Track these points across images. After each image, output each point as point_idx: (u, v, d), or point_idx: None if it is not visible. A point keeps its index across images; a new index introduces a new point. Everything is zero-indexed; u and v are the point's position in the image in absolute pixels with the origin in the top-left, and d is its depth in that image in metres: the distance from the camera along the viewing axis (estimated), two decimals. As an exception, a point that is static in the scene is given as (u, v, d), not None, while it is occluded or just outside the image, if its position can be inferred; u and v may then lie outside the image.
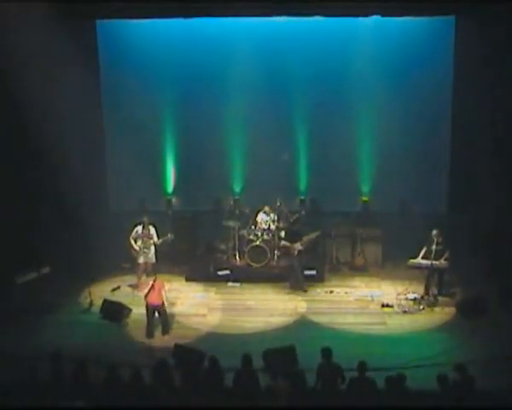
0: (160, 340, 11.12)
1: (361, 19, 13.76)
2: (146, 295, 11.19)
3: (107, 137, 15.74)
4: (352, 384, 8.08)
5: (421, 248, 12.38)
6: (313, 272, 13.48)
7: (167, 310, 11.39)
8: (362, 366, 8.13)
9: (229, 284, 13.46)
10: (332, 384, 8.21)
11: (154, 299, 11.13)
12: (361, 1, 12.55)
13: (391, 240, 14.12)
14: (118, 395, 7.71)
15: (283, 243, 13.45)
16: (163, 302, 11.21)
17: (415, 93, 14.63)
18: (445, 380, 7.66)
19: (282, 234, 14.12)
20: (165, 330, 11.28)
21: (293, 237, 13.19)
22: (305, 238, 12.95)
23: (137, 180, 15.33)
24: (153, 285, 11.15)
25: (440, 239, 12.23)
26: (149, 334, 11.18)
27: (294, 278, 13.08)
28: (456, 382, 7.72)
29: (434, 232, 12.29)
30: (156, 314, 11.25)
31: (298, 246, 12.90)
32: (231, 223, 14.49)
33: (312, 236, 13.00)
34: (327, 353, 8.51)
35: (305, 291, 12.96)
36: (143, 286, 11.86)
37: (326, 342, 9.17)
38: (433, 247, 12.19)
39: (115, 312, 11.91)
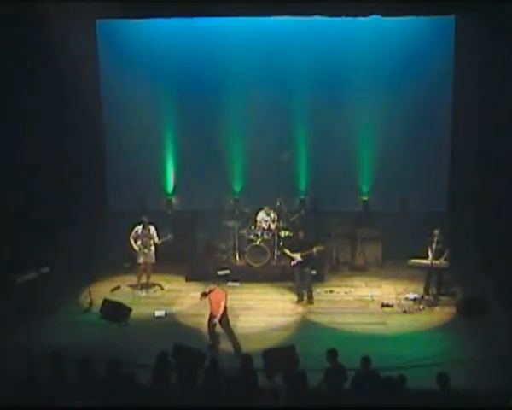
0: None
1: (361, 19, 13.76)
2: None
3: (107, 137, 15.75)
4: (357, 379, 8.06)
5: (426, 249, 12.25)
6: (313, 272, 13.45)
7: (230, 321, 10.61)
8: (366, 361, 8.13)
9: (229, 283, 13.44)
10: (336, 385, 8.18)
11: (211, 311, 10.44)
12: (361, 1, 12.55)
13: (391, 240, 14.14)
14: (118, 395, 7.70)
15: (285, 250, 13.21)
16: (223, 314, 10.37)
17: (415, 93, 14.65)
18: (445, 380, 7.65)
19: (283, 234, 14.12)
20: (236, 347, 10.38)
21: (294, 247, 12.85)
22: (305, 253, 12.53)
23: (137, 180, 15.38)
24: (209, 297, 10.44)
25: (441, 238, 12.23)
26: (214, 347, 10.42)
27: (301, 286, 12.81)
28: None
29: (437, 232, 12.28)
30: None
31: (297, 257, 12.73)
32: (231, 223, 14.49)
33: (313, 250, 12.73)
34: (333, 356, 8.39)
35: (312, 304, 12.63)
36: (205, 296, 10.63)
37: (326, 341, 9.17)
38: (434, 246, 12.19)
39: (115, 312, 11.90)
